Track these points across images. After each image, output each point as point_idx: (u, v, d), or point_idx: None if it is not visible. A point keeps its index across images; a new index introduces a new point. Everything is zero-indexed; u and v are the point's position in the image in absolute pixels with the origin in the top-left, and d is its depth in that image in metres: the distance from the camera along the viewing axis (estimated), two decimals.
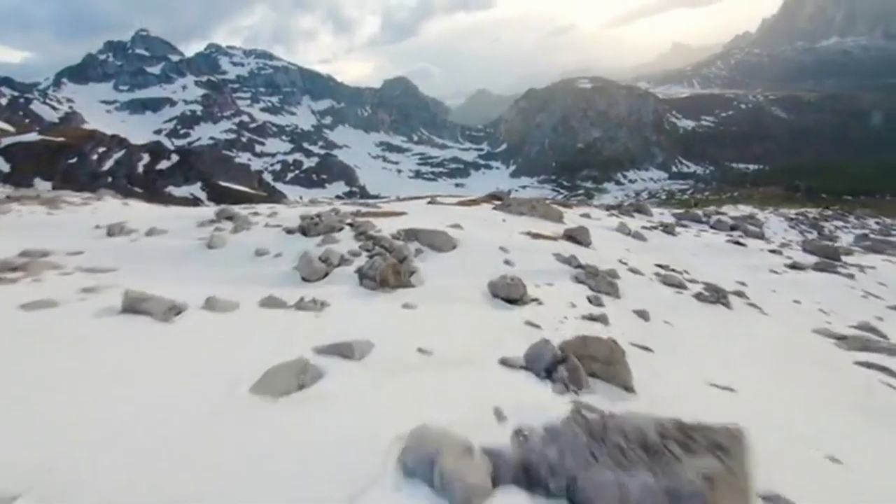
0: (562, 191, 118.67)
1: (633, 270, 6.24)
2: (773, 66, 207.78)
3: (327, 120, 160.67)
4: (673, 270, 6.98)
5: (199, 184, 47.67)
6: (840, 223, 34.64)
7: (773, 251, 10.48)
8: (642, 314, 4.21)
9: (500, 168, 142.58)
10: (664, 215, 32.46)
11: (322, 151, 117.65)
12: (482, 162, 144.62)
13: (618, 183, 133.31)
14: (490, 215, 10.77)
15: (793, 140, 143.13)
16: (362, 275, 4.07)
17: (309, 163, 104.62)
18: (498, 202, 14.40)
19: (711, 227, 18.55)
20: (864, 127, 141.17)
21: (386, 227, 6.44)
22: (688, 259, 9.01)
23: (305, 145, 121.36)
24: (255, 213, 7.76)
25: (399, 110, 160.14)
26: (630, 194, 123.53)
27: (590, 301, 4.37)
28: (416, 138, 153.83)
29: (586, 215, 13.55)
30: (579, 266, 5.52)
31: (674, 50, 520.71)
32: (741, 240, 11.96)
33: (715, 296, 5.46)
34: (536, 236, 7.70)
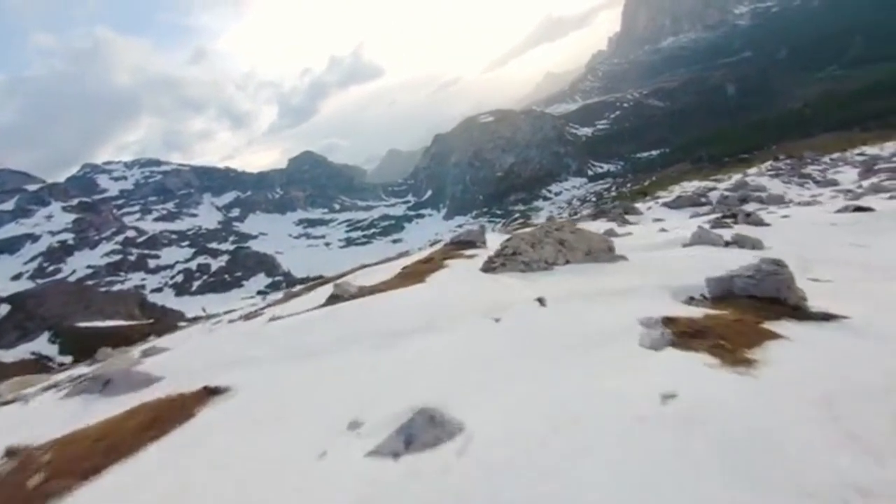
0: (497, 219, 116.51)
1: None
2: (633, 69, 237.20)
3: (234, 212, 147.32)
4: None
5: (46, 334, 34.32)
6: (806, 169, 31.54)
7: None
8: None
9: (432, 214, 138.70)
10: (652, 209, 25.90)
11: (232, 247, 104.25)
12: (413, 213, 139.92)
13: (545, 198, 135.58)
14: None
15: (675, 122, 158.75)
16: None
17: (218, 263, 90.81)
18: (473, 251, 7.87)
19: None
20: (723, 99, 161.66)
21: None
22: None
23: (212, 245, 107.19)
24: None
25: (312, 184, 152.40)
26: (562, 205, 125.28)
27: None
28: (337, 207, 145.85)
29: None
30: None
31: (547, 79, 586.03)
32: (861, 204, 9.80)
33: None
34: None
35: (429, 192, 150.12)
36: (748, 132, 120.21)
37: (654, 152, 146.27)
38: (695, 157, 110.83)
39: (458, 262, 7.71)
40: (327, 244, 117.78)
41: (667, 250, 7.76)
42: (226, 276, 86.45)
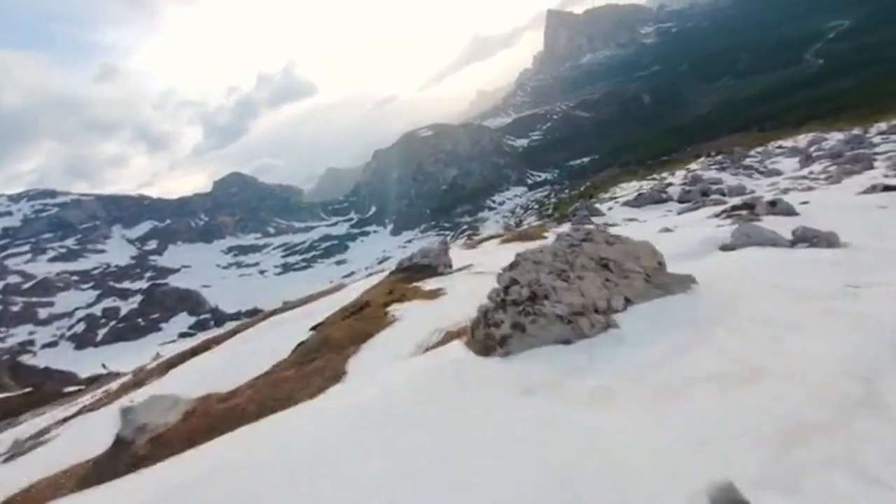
0: (446, 232, 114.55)
1: None
2: (559, 84, 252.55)
3: (151, 245, 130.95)
4: None
5: None
6: (744, 161, 32.38)
7: None
8: None
9: (378, 231, 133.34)
10: (614, 209, 24.17)
11: (146, 285, 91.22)
12: (357, 231, 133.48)
13: (490, 208, 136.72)
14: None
15: (600, 131, 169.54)
16: None
17: (129, 305, 78.27)
18: (435, 281, 5.84)
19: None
20: (641, 108, 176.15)
21: None
22: None
23: (123, 284, 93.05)
24: None
25: (242, 207, 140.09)
26: (506, 214, 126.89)
27: None
28: (272, 230, 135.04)
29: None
30: None
31: (479, 96, 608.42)
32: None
33: None
34: None
35: (373, 209, 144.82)
36: (665, 137, 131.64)
37: (585, 159, 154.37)
38: (622, 162, 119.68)
39: (415, 309, 4.24)
40: (262, 272, 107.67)
41: (712, 258, 5.18)
42: (139, 319, 74.46)
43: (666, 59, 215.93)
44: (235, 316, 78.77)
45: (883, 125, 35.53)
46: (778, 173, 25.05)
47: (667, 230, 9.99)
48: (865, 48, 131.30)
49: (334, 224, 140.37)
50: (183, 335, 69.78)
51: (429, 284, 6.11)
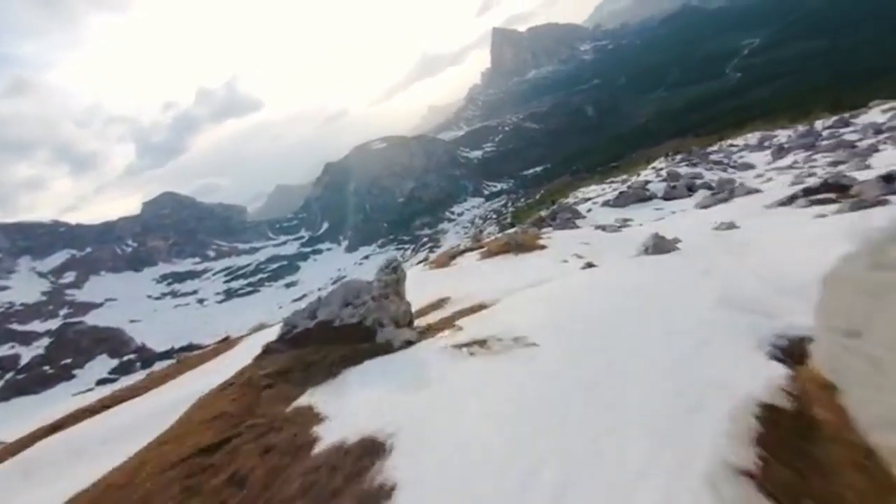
0: (405, 246, 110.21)
1: None
2: (507, 97, 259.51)
3: (68, 278, 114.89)
4: None
5: None
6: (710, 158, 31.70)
7: None
8: None
9: (332, 248, 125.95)
10: (594, 211, 21.60)
11: (58, 324, 78.51)
12: (308, 250, 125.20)
13: (449, 220, 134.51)
14: None
15: (550, 141, 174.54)
16: None
17: (33, 351, 66.05)
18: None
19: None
20: (586, 119, 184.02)
21: None
22: None
23: (29, 326, 79.43)
24: None
25: (176, 230, 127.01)
26: (466, 225, 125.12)
27: None
28: (212, 254, 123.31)
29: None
30: None
31: (430, 111, 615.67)
32: None
33: None
34: None
35: (325, 225, 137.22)
36: (610, 145, 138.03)
37: (538, 168, 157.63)
38: (572, 170, 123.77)
39: None
40: (201, 301, 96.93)
41: None
42: (46, 367, 62.76)
43: (604, 73, 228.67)
44: (167, 354, 69.23)
45: (824, 122, 36.89)
46: (751, 166, 24.21)
47: (725, 226, 6.93)
48: (776, 62, 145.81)
49: (283, 243, 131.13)
50: (102, 382, 59.62)
51: (336, 413, 2.21)
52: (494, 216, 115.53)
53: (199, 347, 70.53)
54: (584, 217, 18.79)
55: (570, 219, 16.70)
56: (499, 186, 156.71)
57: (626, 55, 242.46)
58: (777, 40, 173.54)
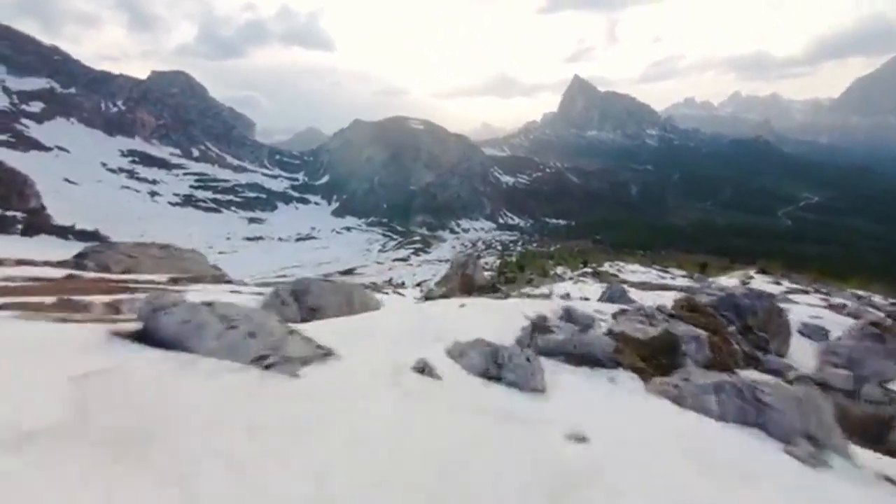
0: (395, 235, 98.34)
1: None
2: (560, 144, 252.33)
3: (35, 106, 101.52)
4: None
5: None
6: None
7: None
8: None
9: (319, 204, 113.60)
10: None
11: None
12: (295, 194, 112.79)
13: (452, 231, 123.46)
14: None
15: (585, 199, 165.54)
16: None
17: None
18: None
19: None
20: (628, 195, 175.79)
21: None
22: None
23: None
24: None
25: (173, 112, 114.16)
26: (466, 243, 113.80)
27: None
28: (195, 153, 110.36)
29: None
30: None
31: (483, 127, 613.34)
32: None
33: None
34: None
35: (325, 178, 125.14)
36: (643, 231, 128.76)
37: (560, 221, 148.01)
38: (595, 238, 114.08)
39: None
40: (153, 194, 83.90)
41: None
42: None
43: (660, 163, 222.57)
44: (69, 231, 56.09)
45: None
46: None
47: None
48: (829, 226, 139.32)
49: (274, 177, 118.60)
50: None
51: None
52: (499, 248, 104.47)
53: (104, 240, 55.47)
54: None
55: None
56: (516, 220, 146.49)
57: (687, 156, 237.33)
58: (836, 207, 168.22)
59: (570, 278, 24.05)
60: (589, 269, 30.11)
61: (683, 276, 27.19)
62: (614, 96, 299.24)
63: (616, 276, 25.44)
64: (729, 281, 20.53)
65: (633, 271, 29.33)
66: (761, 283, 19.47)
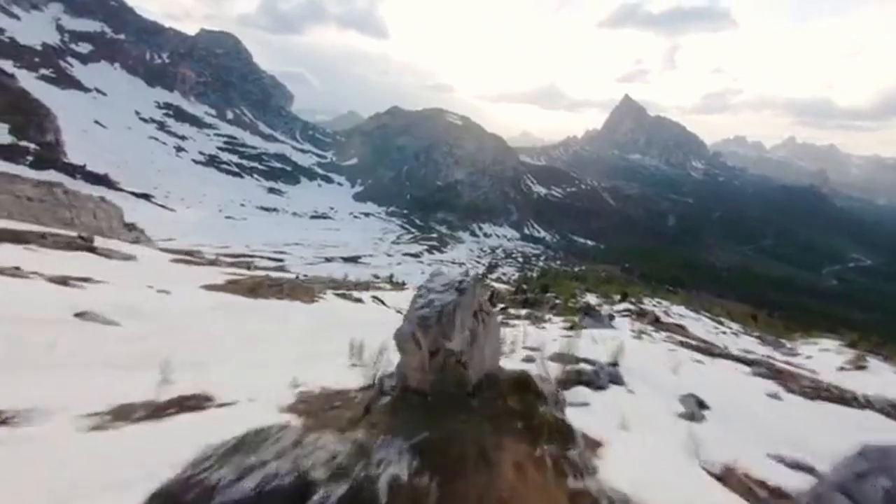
0: (412, 229, 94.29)
1: None
2: (599, 163, 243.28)
3: (83, 48, 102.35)
4: None
5: None
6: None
7: None
8: None
9: (343, 185, 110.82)
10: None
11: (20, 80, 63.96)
12: (321, 172, 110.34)
13: (473, 234, 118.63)
14: None
15: (619, 224, 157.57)
16: None
17: None
18: None
19: None
20: (664, 226, 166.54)
21: None
22: None
23: None
24: None
25: (215, 73, 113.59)
26: (485, 249, 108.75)
27: None
28: (229, 115, 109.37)
29: None
30: None
31: (523, 136, 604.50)
32: None
33: None
34: None
35: (354, 160, 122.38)
36: (676, 266, 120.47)
37: (590, 241, 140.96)
38: (625, 267, 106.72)
39: None
40: (179, 149, 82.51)
41: None
42: None
43: (703, 198, 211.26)
44: (78, 170, 54.49)
45: None
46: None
47: None
48: (878, 292, 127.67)
49: (304, 152, 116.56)
50: None
51: None
52: (520, 259, 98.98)
53: (113, 185, 52.46)
54: None
55: None
56: (542, 233, 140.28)
57: (731, 195, 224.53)
58: (887, 273, 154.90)
59: (609, 314, 18.81)
60: (631, 306, 24.39)
61: (745, 334, 21.66)
62: (664, 122, 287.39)
63: (664, 318, 20.07)
64: (828, 357, 15.02)
65: (682, 315, 23.76)
66: (880, 371, 13.83)
